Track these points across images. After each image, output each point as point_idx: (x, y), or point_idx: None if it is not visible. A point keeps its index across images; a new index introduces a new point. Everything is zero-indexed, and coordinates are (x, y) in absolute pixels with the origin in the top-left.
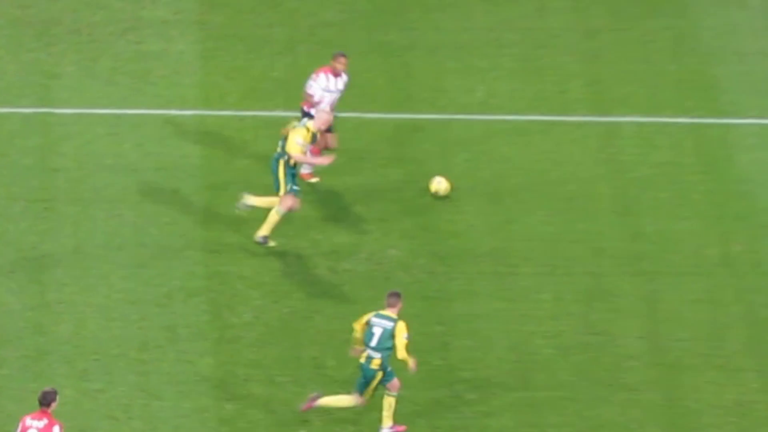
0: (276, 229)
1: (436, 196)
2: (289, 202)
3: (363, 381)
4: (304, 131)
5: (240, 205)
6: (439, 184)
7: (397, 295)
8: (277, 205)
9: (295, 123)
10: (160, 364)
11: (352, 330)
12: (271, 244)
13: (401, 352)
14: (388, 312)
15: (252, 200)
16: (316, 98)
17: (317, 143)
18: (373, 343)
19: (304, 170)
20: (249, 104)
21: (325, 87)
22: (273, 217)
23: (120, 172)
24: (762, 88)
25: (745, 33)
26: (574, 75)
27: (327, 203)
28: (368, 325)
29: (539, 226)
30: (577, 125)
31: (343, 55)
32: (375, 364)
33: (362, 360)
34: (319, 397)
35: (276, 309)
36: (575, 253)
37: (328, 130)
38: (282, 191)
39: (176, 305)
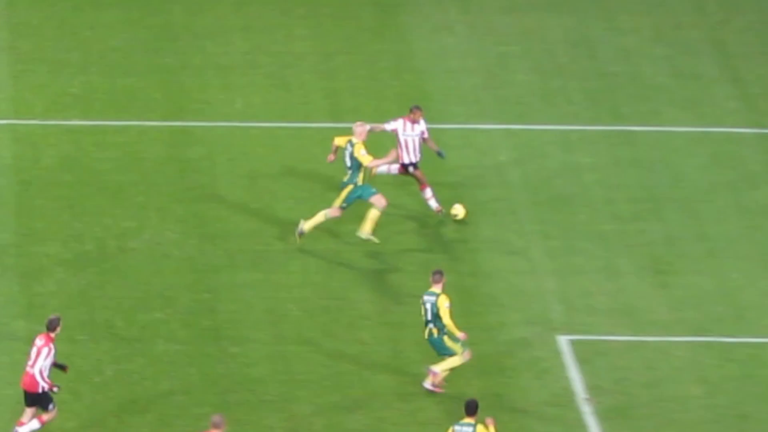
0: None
1: (454, 219)
2: (383, 199)
3: (437, 349)
4: (361, 144)
5: (299, 231)
6: (458, 210)
7: (439, 272)
8: (376, 206)
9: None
10: None
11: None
12: (375, 240)
13: (446, 319)
14: (433, 288)
15: (308, 224)
16: (387, 128)
17: (420, 178)
18: (428, 317)
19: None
20: (52, 115)
21: (403, 131)
22: (374, 215)
23: None
24: (466, 99)
25: (452, 54)
26: (314, 89)
27: (117, 195)
28: (421, 302)
29: (288, 212)
30: (318, 130)
31: (419, 108)
32: (435, 332)
33: (426, 336)
34: (432, 371)
35: (75, 281)
36: (318, 233)
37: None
38: (374, 194)
39: None
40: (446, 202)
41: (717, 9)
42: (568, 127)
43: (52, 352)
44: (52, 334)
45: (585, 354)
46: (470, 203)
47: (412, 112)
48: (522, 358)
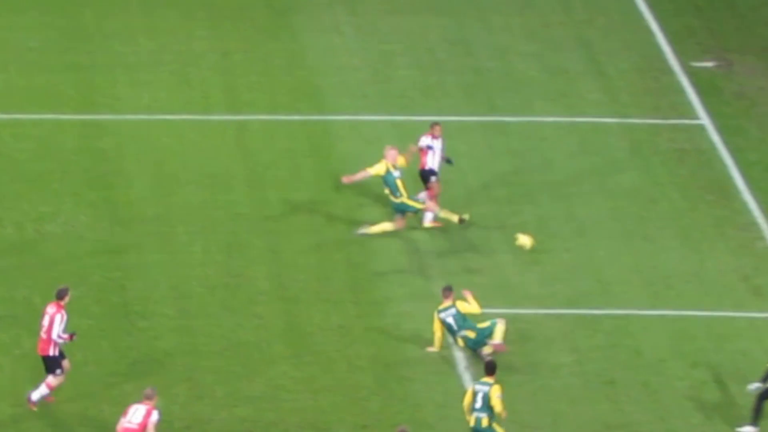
0: None
1: (522, 249)
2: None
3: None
4: (382, 164)
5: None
6: (525, 241)
7: (448, 288)
8: (396, 225)
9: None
10: None
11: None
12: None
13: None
14: (445, 303)
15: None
16: (422, 145)
17: (431, 187)
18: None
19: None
20: None
21: (428, 144)
22: (386, 228)
23: None
24: (354, 93)
25: (341, 52)
26: (214, 85)
27: (34, 183)
28: (441, 321)
29: (191, 197)
30: (218, 122)
31: (437, 124)
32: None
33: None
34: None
35: None
36: (218, 217)
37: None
38: (403, 215)
39: None
40: (332, 189)
41: (582, 9)
42: (447, 118)
43: (65, 318)
44: (62, 302)
45: None
46: (358, 189)
47: (432, 127)
48: (407, 330)
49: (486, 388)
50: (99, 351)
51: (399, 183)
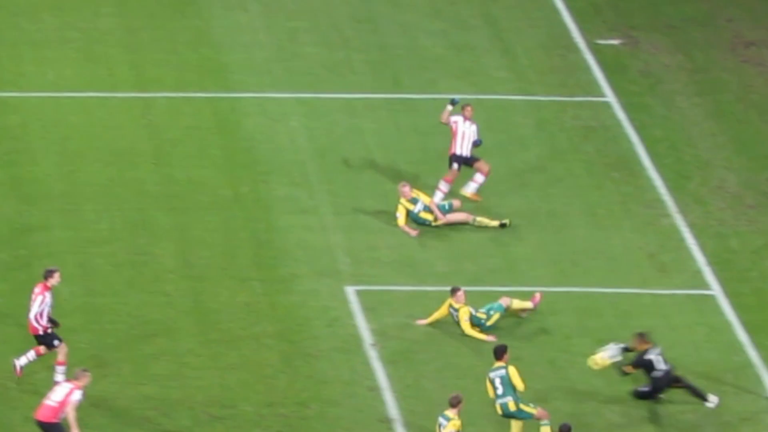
0: None
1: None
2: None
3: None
4: (401, 206)
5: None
6: (602, 361)
7: (457, 288)
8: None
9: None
10: None
11: None
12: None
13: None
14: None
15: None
16: (450, 123)
17: (450, 173)
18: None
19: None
20: None
21: (463, 127)
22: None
23: None
24: (260, 71)
25: (246, 30)
26: (120, 62)
27: None
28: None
29: (97, 175)
30: (124, 99)
31: (469, 105)
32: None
33: (501, 412)
34: None
35: None
36: (124, 195)
37: (476, 160)
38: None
39: None
40: (238, 166)
41: None
42: (353, 95)
43: (47, 299)
44: (48, 284)
45: (371, 303)
46: (264, 165)
47: (463, 108)
48: (313, 308)
49: (502, 372)
50: (5, 329)
51: (423, 215)
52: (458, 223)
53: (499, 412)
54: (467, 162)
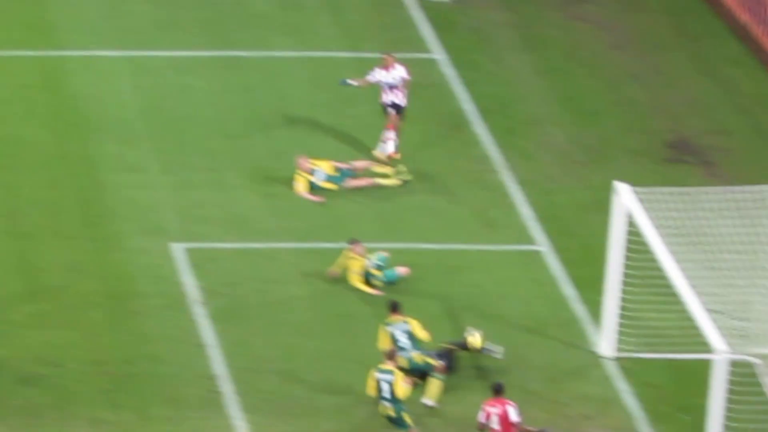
0: None
1: (472, 348)
2: None
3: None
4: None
5: None
6: (476, 338)
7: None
8: None
9: None
10: None
11: None
12: None
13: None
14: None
15: None
16: (372, 81)
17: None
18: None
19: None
20: None
21: (382, 77)
22: None
23: None
24: (88, 28)
25: None
26: None
27: None
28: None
29: None
30: None
31: (387, 54)
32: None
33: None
34: None
35: None
36: None
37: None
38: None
39: None
40: (66, 125)
41: None
42: (181, 53)
43: None
44: None
45: (198, 260)
46: (92, 123)
47: (383, 59)
48: (139, 265)
49: (405, 326)
50: None
51: (325, 185)
52: (363, 187)
53: (405, 365)
54: (398, 108)
